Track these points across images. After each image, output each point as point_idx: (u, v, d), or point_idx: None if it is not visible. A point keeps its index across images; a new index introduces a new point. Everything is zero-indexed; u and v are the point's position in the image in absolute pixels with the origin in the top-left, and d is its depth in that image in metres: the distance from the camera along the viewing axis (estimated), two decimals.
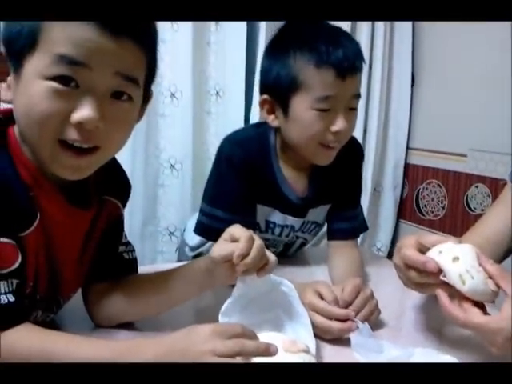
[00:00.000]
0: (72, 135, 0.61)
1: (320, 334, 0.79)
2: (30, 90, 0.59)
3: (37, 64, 0.59)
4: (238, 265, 0.70)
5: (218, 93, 1.85)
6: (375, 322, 0.84)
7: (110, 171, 0.75)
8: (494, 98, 1.74)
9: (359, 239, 2.06)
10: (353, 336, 0.76)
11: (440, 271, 0.70)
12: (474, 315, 0.66)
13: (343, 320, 0.79)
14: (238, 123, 1.80)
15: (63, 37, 0.58)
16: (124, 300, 0.79)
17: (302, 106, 0.93)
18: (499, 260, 0.97)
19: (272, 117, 1.00)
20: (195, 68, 1.76)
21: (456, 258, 0.68)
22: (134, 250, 0.86)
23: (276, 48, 0.99)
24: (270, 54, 1.00)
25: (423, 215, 2.10)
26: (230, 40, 1.79)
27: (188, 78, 1.75)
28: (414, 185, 2.14)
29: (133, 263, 0.85)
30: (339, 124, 0.93)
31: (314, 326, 0.78)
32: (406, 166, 2.17)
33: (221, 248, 0.73)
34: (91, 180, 0.71)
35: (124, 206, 0.82)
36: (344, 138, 0.98)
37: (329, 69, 0.90)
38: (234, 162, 1.02)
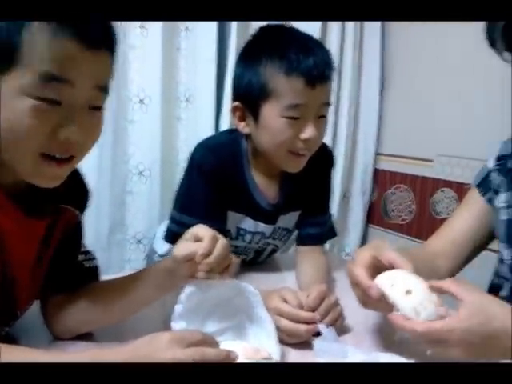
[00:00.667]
0: (56, 149, 0.62)
1: (286, 339, 0.80)
2: (13, 107, 0.58)
3: (18, 81, 0.58)
4: (201, 264, 0.69)
5: (187, 99, 1.84)
6: (340, 328, 0.85)
7: (68, 178, 0.74)
8: (460, 105, 1.78)
9: (328, 244, 2.10)
10: (316, 342, 0.76)
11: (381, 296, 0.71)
12: (430, 323, 0.67)
13: (309, 324, 0.80)
14: (208, 129, 1.79)
15: (45, 54, 0.58)
16: (85, 308, 0.78)
17: (272, 114, 0.94)
18: (464, 263, 0.99)
19: (243, 124, 1.00)
20: (165, 74, 1.74)
21: (409, 292, 0.69)
22: (94, 258, 0.85)
23: (248, 55, 0.99)
24: (242, 61, 1.00)
25: (391, 220, 2.13)
26: (200, 46, 1.79)
27: (157, 83, 1.73)
28: (383, 190, 2.17)
29: (93, 271, 0.84)
30: (309, 132, 0.94)
31: (280, 330, 0.79)
32: (375, 172, 2.20)
33: (183, 247, 0.73)
34: (45, 189, 0.70)
35: (82, 213, 0.80)
36: (314, 146, 0.99)
37: (299, 77, 0.90)
38: (206, 169, 1.02)
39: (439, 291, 0.71)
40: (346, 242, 2.23)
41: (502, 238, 0.89)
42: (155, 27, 1.70)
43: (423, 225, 1.97)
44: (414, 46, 1.97)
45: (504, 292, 0.87)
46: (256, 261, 1.22)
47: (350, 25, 2.02)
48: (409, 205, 2.04)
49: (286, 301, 0.82)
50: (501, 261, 0.90)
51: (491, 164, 0.95)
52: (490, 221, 0.93)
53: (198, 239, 0.72)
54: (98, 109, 0.65)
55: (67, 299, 0.78)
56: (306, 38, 0.96)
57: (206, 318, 0.74)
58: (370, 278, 0.74)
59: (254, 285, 0.98)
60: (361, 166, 2.18)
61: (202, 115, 1.81)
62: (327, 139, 2.06)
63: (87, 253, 0.83)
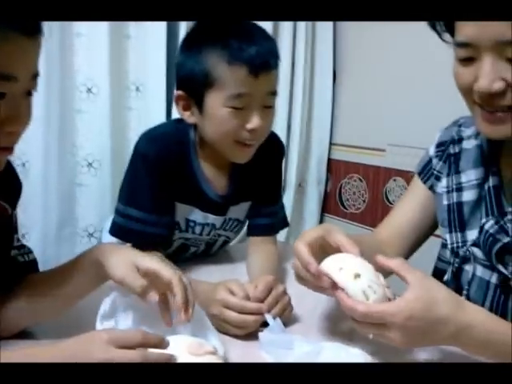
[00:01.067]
0: (4, 141, 0.62)
1: (234, 331, 0.80)
2: None
3: None
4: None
5: (138, 88, 1.79)
6: (288, 319, 0.85)
7: None
8: (411, 95, 1.81)
9: (284, 234, 2.11)
10: (262, 334, 0.76)
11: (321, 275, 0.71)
12: (372, 305, 0.67)
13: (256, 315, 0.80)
14: (160, 119, 1.75)
15: None
16: (22, 303, 0.74)
17: (216, 103, 0.92)
18: (410, 250, 1.01)
19: (188, 113, 0.98)
20: (113, 62, 1.70)
21: (357, 275, 0.69)
22: (30, 252, 0.81)
23: (191, 43, 0.96)
24: (185, 50, 0.97)
25: (346, 209, 2.16)
26: (150, 33, 1.74)
27: (105, 72, 1.69)
28: (337, 179, 2.19)
29: (29, 265, 0.80)
30: (254, 122, 0.92)
31: (228, 322, 0.78)
32: (329, 161, 2.21)
33: (139, 284, 0.68)
34: None
35: (14, 207, 0.76)
36: (261, 136, 0.97)
37: (241, 66, 0.89)
38: (150, 159, 0.99)
39: (387, 270, 0.71)
40: (303, 232, 2.24)
41: (443, 223, 0.90)
42: None
43: (377, 213, 2.00)
44: (365, 38, 1.99)
45: (447, 276, 0.89)
46: (208, 252, 1.20)
47: None
48: (362, 194, 2.07)
49: (232, 293, 0.82)
50: (443, 245, 0.92)
51: (432, 151, 0.97)
52: (433, 207, 0.95)
53: (149, 274, 0.69)
54: (31, 94, 0.64)
55: (3, 295, 0.75)
56: (250, 27, 0.94)
57: (144, 317, 0.72)
58: (312, 256, 0.74)
59: (205, 277, 0.97)
60: (315, 155, 2.19)
61: (154, 104, 1.78)
62: (282, 131, 2.07)
63: (21, 247, 0.80)
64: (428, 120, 1.70)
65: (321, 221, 2.26)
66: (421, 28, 0.78)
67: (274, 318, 0.80)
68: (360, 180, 2.08)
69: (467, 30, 0.68)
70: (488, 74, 0.67)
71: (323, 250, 0.77)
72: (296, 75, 2.07)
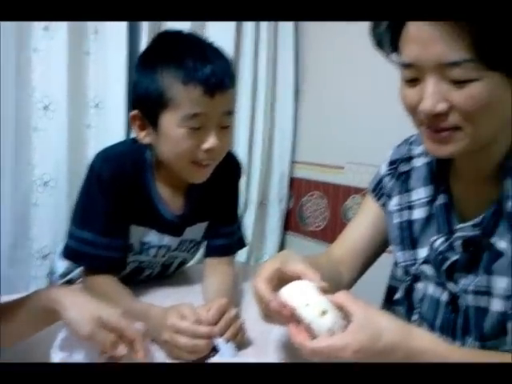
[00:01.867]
0: None
1: (186, 356, 0.78)
2: None
3: None
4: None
5: (97, 105, 1.77)
6: (241, 343, 0.84)
7: None
8: (369, 113, 1.85)
9: (245, 253, 2.11)
10: (213, 359, 0.75)
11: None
12: (321, 340, 0.66)
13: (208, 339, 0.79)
14: (119, 136, 1.73)
15: None
16: None
17: (171, 124, 0.91)
18: (364, 267, 1.01)
19: (143, 133, 0.97)
20: (72, 78, 1.67)
21: (324, 312, 0.67)
22: None
23: (146, 62, 0.95)
24: (140, 68, 0.96)
25: (307, 226, 2.17)
26: (110, 50, 1.73)
27: (63, 89, 1.66)
28: (298, 197, 2.21)
29: None
30: (210, 142, 0.91)
31: (179, 347, 0.77)
32: (291, 179, 2.23)
33: (109, 340, 0.67)
34: None
35: None
36: (218, 156, 0.97)
37: (196, 86, 0.88)
38: (104, 180, 0.97)
39: (335, 305, 0.71)
40: (265, 250, 2.25)
41: (394, 241, 0.91)
42: (61, 29, 1.63)
43: (337, 230, 2.02)
44: (326, 56, 2.03)
45: (399, 294, 0.90)
46: (164, 274, 1.18)
47: (264, 36, 2.05)
48: (323, 211, 2.09)
49: (183, 317, 0.80)
50: (395, 263, 0.93)
51: (383, 169, 0.98)
52: (385, 225, 0.96)
53: (112, 328, 0.68)
54: None
55: None
56: (205, 46, 0.94)
57: (95, 350, 0.70)
58: (272, 291, 0.73)
59: (160, 300, 0.95)
60: (277, 173, 2.21)
61: (113, 122, 1.75)
62: (243, 148, 2.08)
63: None
64: (386, 138, 1.73)
65: (282, 239, 2.26)
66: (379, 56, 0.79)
67: (227, 341, 0.79)
68: (321, 197, 2.10)
69: (411, 51, 0.70)
70: (431, 95, 0.68)
71: (282, 279, 0.75)
72: (258, 93, 2.09)
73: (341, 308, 0.68)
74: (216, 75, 0.89)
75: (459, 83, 0.67)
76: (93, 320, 0.67)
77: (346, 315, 0.67)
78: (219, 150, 0.94)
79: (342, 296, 0.70)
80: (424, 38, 0.67)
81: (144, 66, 0.95)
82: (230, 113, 0.96)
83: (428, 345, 0.67)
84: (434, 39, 0.66)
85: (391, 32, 0.74)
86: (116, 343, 0.66)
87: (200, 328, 0.79)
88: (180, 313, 0.81)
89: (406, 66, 0.71)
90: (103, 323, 0.67)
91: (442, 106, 0.68)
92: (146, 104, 0.93)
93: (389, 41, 0.75)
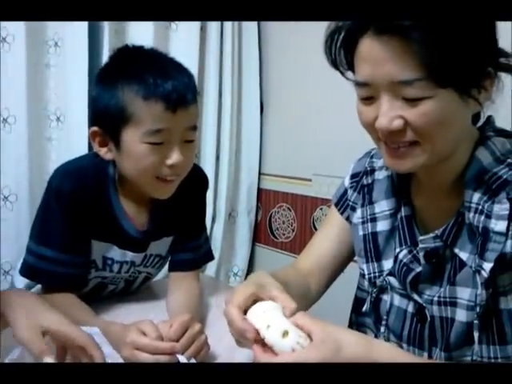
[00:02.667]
0: None
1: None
2: None
3: None
4: None
5: (58, 118, 1.73)
6: (205, 359, 0.83)
7: None
8: (335, 125, 1.86)
9: (215, 266, 2.09)
10: None
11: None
12: (284, 355, 0.65)
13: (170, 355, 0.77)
14: (82, 150, 1.68)
15: None
16: None
17: (133, 140, 0.89)
18: (330, 279, 1.01)
19: (104, 149, 0.95)
20: (31, 91, 1.62)
21: (285, 333, 0.67)
22: None
23: (105, 77, 0.94)
24: (99, 84, 0.94)
25: (276, 238, 2.17)
26: (70, 62, 1.69)
27: (23, 101, 1.61)
28: (267, 209, 2.20)
29: None
30: (174, 157, 0.90)
31: None
32: (259, 191, 2.23)
33: (38, 350, 0.65)
34: None
35: None
36: (182, 171, 0.96)
37: (157, 101, 0.87)
38: (64, 195, 0.95)
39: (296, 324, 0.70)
40: (234, 262, 2.23)
41: (360, 253, 0.92)
42: (19, 41, 1.58)
43: (305, 242, 2.01)
44: (291, 69, 2.04)
45: (366, 306, 0.90)
46: (128, 290, 1.15)
47: (228, 48, 2.05)
48: (291, 223, 2.09)
49: (144, 333, 0.79)
50: (362, 275, 0.93)
51: (347, 182, 0.99)
52: (350, 237, 0.96)
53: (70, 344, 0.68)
54: None
55: None
56: (166, 61, 0.94)
57: None
58: (244, 316, 0.71)
59: (124, 316, 0.93)
60: (245, 185, 2.20)
61: (75, 135, 1.70)
62: (210, 160, 2.07)
63: None
64: (352, 150, 1.75)
65: (252, 251, 2.25)
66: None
67: (189, 358, 0.77)
68: (289, 209, 2.10)
69: (364, 70, 0.70)
70: (386, 113, 0.69)
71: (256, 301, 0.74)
72: (224, 106, 2.08)
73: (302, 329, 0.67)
74: (177, 91, 0.88)
75: (412, 101, 0.68)
76: (33, 327, 0.66)
77: (308, 335, 0.66)
78: (183, 165, 0.93)
79: (300, 317, 0.68)
80: (376, 58, 0.68)
81: (104, 82, 0.93)
82: (193, 128, 0.95)
83: (388, 356, 0.67)
84: (385, 58, 0.67)
85: (345, 51, 0.75)
86: (45, 353, 0.65)
87: (161, 344, 0.77)
88: (140, 329, 0.79)
89: (361, 84, 0.72)
90: (45, 331, 0.66)
91: (397, 123, 0.69)
92: (106, 120, 0.92)
93: (343, 59, 0.76)
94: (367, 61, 0.70)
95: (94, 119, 0.96)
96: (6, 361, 0.68)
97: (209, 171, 2.03)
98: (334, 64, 0.78)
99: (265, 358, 0.66)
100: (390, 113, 0.69)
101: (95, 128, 0.94)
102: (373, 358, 0.65)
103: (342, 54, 0.76)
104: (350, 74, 0.77)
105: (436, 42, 0.64)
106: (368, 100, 0.73)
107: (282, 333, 0.67)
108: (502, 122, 0.85)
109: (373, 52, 0.68)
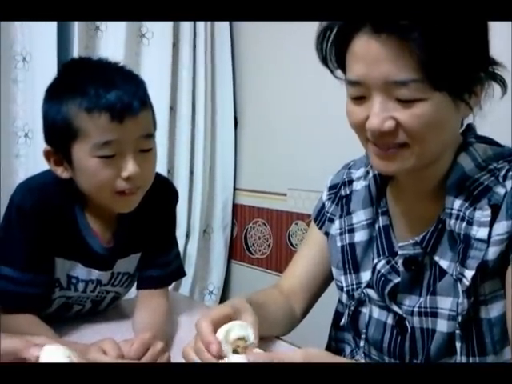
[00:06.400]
0: None
1: None
2: None
3: None
4: None
5: (27, 134, 1.70)
6: None
7: None
8: (309, 139, 1.86)
9: (190, 283, 2.05)
10: None
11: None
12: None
13: None
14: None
15: None
16: None
17: (83, 155, 0.86)
18: (314, 298, 0.99)
19: (61, 168, 0.92)
20: None
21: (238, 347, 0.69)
22: None
23: (52, 93, 0.91)
24: (47, 100, 0.91)
25: (252, 254, 2.15)
26: (39, 78, 1.66)
27: None
28: (242, 224, 2.18)
29: None
30: (129, 169, 0.87)
31: None
32: (234, 206, 2.21)
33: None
34: None
35: None
36: (142, 182, 0.92)
37: (101, 113, 0.84)
38: (26, 212, 0.91)
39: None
40: (210, 280, 2.19)
41: (337, 266, 0.90)
42: None
43: (281, 258, 2.01)
44: (265, 83, 2.05)
45: (344, 320, 0.88)
46: (95, 311, 1.11)
47: (201, 60, 2.05)
48: (267, 238, 2.07)
49: (105, 352, 0.77)
50: (340, 288, 0.91)
51: (324, 195, 0.98)
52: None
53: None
54: None
55: None
56: (112, 71, 0.91)
57: None
58: (214, 335, 0.70)
59: (90, 336, 0.89)
60: (220, 201, 2.18)
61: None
62: (184, 176, 2.04)
63: None
64: (326, 164, 1.75)
65: (228, 267, 2.22)
66: (321, 71, 0.78)
67: None
68: (264, 224, 2.08)
69: (357, 68, 0.69)
70: (378, 114, 0.68)
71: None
72: (197, 121, 2.07)
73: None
74: (122, 100, 0.85)
75: (406, 102, 0.67)
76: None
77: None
78: (142, 176, 0.90)
79: (276, 356, 0.67)
80: (371, 56, 0.67)
81: (50, 98, 0.91)
82: (147, 136, 0.91)
83: None
84: (381, 58, 0.66)
85: (336, 48, 0.73)
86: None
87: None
88: (101, 348, 0.77)
89: (353, 83, 0.71)
90: None
91: (389, 124, 0.68)
92: (55, 137, 0.89)
93: (334, 57, 0.74)
94: (362, 59, 0.68)
95: (45, 138, 0.92)
96: None
97: (183, 187, 2.01)
98: (325, 61, 0.76)
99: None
100: (382, 113, 0.68)
101: (47, 147, 0.91)
102: None
103: (333, 51, 0.74)
104: (339, 72, 0.75)
105: (435, 44, 0.63)
106: (359, 100, 0.71)
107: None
108: (496, 130, 0.85)
109: (369, 50, 0.67)
